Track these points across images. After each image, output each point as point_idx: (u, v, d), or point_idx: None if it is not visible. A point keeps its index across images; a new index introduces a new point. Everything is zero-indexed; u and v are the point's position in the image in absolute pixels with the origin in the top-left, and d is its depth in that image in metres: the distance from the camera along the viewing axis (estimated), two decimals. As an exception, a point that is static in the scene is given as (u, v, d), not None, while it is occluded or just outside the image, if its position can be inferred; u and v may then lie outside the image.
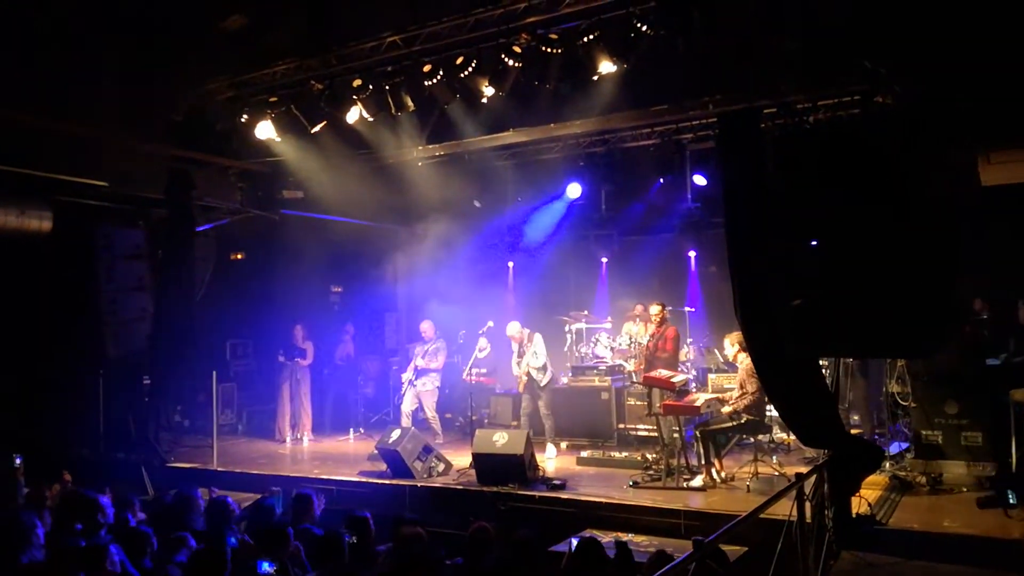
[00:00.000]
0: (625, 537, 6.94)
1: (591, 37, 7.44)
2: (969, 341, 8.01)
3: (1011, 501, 6.58)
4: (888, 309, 5.68)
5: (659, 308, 9.83)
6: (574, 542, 5.39)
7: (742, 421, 8.13)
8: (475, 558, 5.33)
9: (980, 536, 6.24)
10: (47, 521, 6.54)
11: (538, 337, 10.32)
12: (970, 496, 7.41)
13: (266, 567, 4.96)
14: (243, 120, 9.63)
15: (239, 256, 14.03)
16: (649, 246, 12.73)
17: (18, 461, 8.00)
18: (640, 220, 12.01)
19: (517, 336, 10.37)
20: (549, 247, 13.02)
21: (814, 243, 6.18)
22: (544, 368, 10.23)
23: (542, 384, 10.21)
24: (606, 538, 6.65)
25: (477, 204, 12.82)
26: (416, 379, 10.95)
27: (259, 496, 7.62)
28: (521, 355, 10.29)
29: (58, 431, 10.04)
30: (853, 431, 8.76)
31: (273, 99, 9.41)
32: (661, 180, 10.98)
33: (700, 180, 10.34)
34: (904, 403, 8.17)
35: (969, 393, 7.75)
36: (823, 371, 7.28)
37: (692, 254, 12.68)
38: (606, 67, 7.57)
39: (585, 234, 12.73)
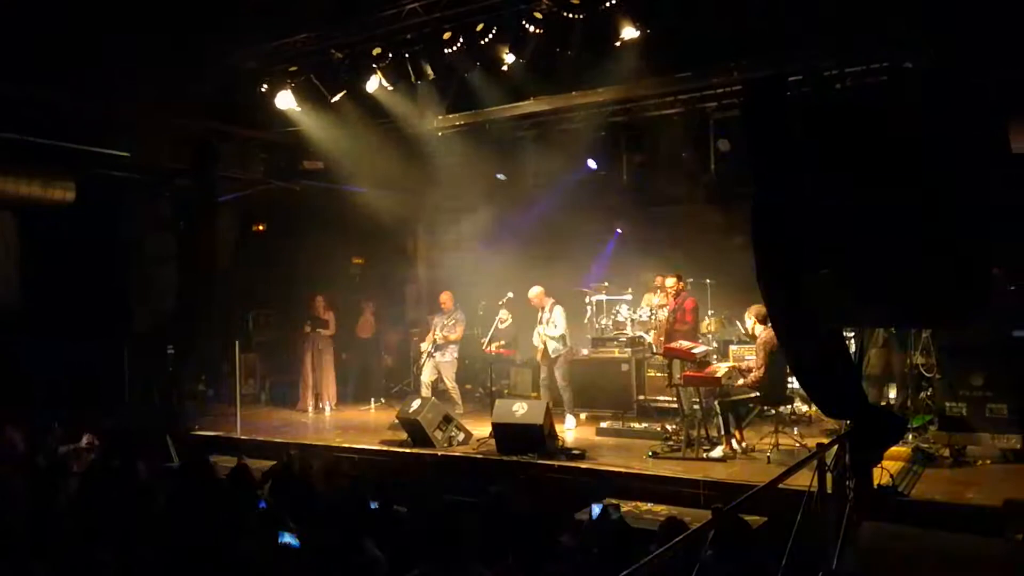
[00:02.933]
0: (644, 506, 6.97)
1: (614, 2, 7.33)
2: (997, 312, 7.87)
3: None
4: (918, 279, 5.58)
5: (674, 280, 9.70)
6: (595, 509, 5.41)
7: (762, 393, 8.09)
8: (493, 523, 5.36)
9: (999, 507, 6.17)
10: (73, 486, 6.68)
11: (559, 309, 10.27)
12: (994, 468, 7.34)
13: (288, 538, 4.83)
14: (263, 90, 9.63)
15: (261, 227, 14.11)
16: (672, 216, 12.60)
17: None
18: (663, 190, 11.87)
19: (536, 301, 10.27)
20: (571, 218, 12.93)
21: (841, 212, 6.07)
22: (561, 339, 10.16)
23: (552, 355, 10.14)
24: (625, 507, 6.69)
25: (500, 176, 12.74)
26: (435, 351, 10.99)
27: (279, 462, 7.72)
28: (541, 323, 10.26)
29: (84, 400, 10.19)
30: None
31: (293, 68, 9.39)
32: (684, 154, 10.84)
33: (724, 145, 10.13)
34: (928, 375, 8.08)
35: (995, 365, 7.62)
36: (847, 342, 7.21)
37: (715, 223, 12.51)
38: (629, 33, 7.47)
39: (608, 204, 12.62)
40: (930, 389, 8.24)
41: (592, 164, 11.55)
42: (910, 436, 7.96)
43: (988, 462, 7.53)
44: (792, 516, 4.77)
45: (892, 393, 9.17)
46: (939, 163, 5.74)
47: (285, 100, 9.58)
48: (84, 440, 8.01)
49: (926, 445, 7.87)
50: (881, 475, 6.57)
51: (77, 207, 10.23)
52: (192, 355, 11.15)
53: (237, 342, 10.76)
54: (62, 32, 8.93)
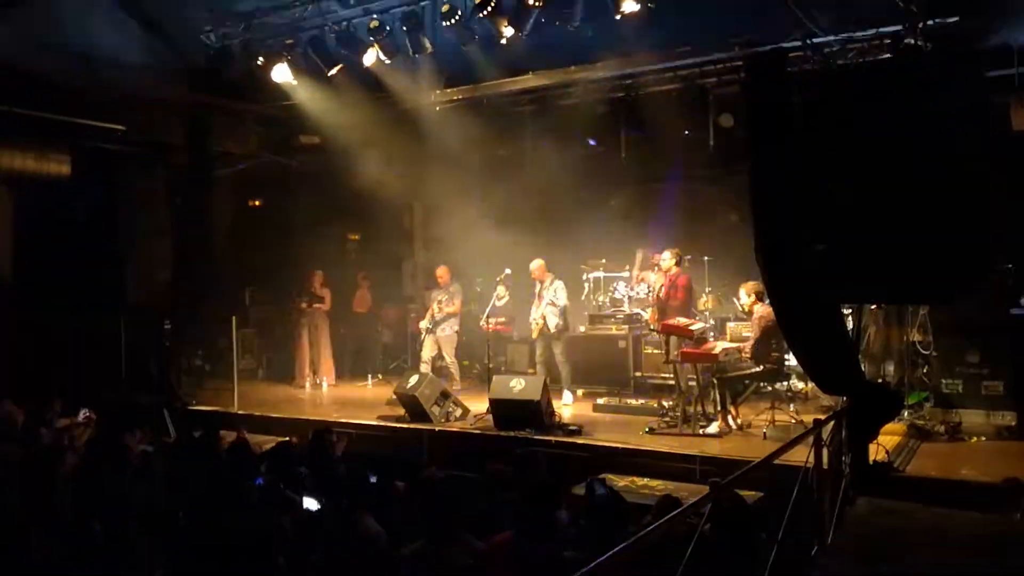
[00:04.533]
0: (641, 481, 7.01)
1: (614, -25, 7.25)
2: (995, 289, 7.87)
3: None
4: (917, 255, 5.57)
5: (669, 256, 9.67)
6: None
7: (759, 368, 8.11)
8: (491, 498, 5.38)
9: (998, 484, 6.20)
10: (70, 461, 6.68)
11: (560, 283, 10.23)
12: (989, 445, 7.38)
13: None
14: (259, 63, 9.53)
15: (256, 203, 14.02)
16: (670, 193, 12.54)
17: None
18: (662, 166, 11.81)
19: (537, 273, 10.23)
20: (569, 194, 12.88)
21: (839, 187, 6.04)
22: (562, 313, 10.11)
23: (553, 330, 10.06)
24: (621, 482, 6.73)
25: (499, 152, 12.64)
26: (434, 326, 10.98)
27: (280, 440, 7.74)
28: (540, 298, 10.23)
29: (80, 374, 10.18)
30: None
31: (289, 41, 9.30)
32: (687, 132, 10.74)
33: (726, 120, 9.96)
34: (925, 352, 8.10)
35: (991, 342, 7.66)
36: (845, 318, 7.22)
37: (714, 200, 12.46)
38: (629, 6, 7.39)
39: (606, 180, 12.56)
40: (926, 366, 8.27)
41: (591, 140, 11.47)
42: (906, 412, 7.99)
43: (983, 439, 7.58)
44: (788, 491, 4.80)
45: (890, 370, 9.20)
46: (939, 140, 5.70)
47: (281, 73, 9.49)
48: (81, 415, 8.01)
49: (922, 422, 7.91)
50: (877, 451, 6.61)
51: (72, 181, 10.16)
52: (188, 330, 11.14)
53: (234, 317, 10.74)
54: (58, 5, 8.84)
